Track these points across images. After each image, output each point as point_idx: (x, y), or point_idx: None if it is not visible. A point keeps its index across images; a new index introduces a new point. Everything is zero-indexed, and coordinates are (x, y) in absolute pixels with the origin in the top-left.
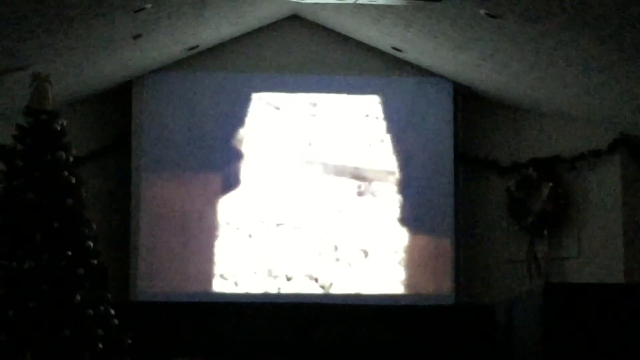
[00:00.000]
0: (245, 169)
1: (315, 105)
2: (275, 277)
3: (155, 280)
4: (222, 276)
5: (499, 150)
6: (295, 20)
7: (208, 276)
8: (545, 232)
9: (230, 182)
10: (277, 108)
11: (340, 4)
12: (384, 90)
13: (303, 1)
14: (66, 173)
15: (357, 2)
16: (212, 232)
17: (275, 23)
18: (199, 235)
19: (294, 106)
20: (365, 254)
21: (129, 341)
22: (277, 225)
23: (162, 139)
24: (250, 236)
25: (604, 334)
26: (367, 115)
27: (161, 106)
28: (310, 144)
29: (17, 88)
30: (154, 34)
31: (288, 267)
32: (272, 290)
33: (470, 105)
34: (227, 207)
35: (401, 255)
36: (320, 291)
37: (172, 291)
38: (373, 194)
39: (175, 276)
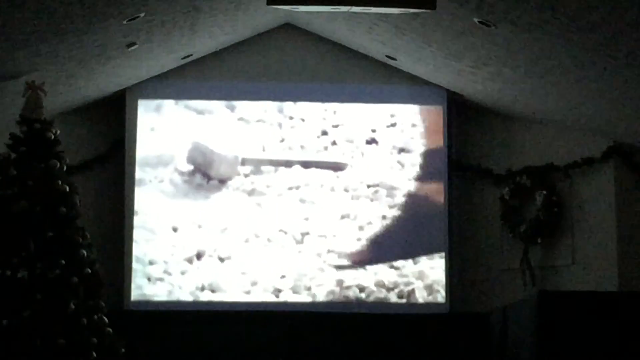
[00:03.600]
0: (239, 177)
1: (309, 113)
2: (269, 286)
3: (148, 289)
4: (215, 285)
5: (492, 159)
6: (289, 28)
7: (201, 285)
8: (539, 240)
9: (222, 191)
10: (272, 116)
11: (333, 12)
12: (378, 98)
13: (297, 9)
14: (60, 182)
15: (350, 10)
16: (206, 241)
17: (268, 32)
18: (193, 244)
19: (288, 115)
20: (359, 262)
21: (123, 350)
22: (269, 233)
23: (156, 148)
24: (244, 244)
25: (598, 342)
26: (360, 124)
27: (155, 115)
28: (303, 150)
29: (10, 97)
30: (147, 42)
31: (280, 276)
32: (266, 299)
33: (463, 114)
34: (220, 216)
35: (395, 263)
36: (312, 299)
37: (165, 300)
38: (366, 201)
39: (168, 285)
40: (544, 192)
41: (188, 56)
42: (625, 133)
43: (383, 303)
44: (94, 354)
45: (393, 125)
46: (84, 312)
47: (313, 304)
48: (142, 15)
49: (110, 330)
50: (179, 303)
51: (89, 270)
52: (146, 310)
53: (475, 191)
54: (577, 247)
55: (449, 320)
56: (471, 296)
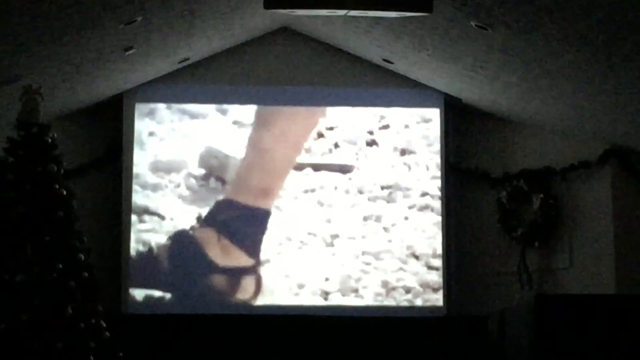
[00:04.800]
0: (238, 179)
1: (306, 117)
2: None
3: (146, 293)
4: (212, 288)
5: (489, 162)
6: (286, 32)
7: (199, 289)
8: (537, 244)
9: (222, 193)
10: (268, 120)
11: (330, 15)
12: (375, 102)
13: (294, 13)
14: (57, 186)
15: (347, 14)
16: (204, 244)
17: (265, 35)
18: (192, 247)
19: (284, 118)
20: (356, 265)
21: (121, 354)
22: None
23: (153, 152)
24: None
25: (596, 345)
26: (357, 127)
27: (152, 119)
28: (310, 153)
29: (7, 101)
30: (144, 46)
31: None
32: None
33: (460, 117)
34: (220, 218)
35: (392, 266)
36: (308, 303)
37: (163, 304)
38: (361, 204)
39: (167, 289)
40: (541, 195)
41: (185, 60)
42: (622, 136)
43: (379, 307)
44: (92, 358)
45: (389, 128)
46: (81, 316)
47: (315, 308)
48: (139, 19)
49: (108, 334)
50: (177, 307)
51: (87, 274)
52: (144, 314)
53: (472, 194)
54: (574, 250)
55: (445, 323)
56: (468, 299)
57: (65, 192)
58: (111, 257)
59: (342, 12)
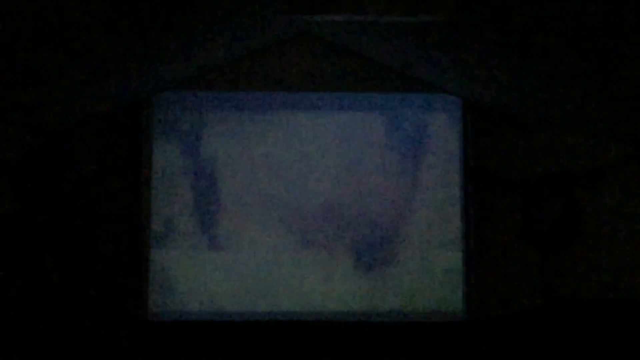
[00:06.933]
0: (256, 188)
1: (325, 123)
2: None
3: (168, 300)
4: (235, 294)
5: (509, 166)
6: (305, 38)
7: (222, 295)
8: (557, 248)
9: (240, 200)
10: (288, 126)
11: (348, 21)
12: (393, 107)
13: (312, 19)
14: (76, 193)
15: (366, 19)
16: (225, 249)
17: (284, 41)
18: (212, 253)
19: (303, 124)
20: (376, 269)
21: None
22: (287, 242)
23: (172, 159)
24: (264, 254)
25: (615, 349)
26: (376, 133)
27: (171, 126)
28: (320, 162)
29: (27, 106)
30: (163, 52)
31: (301, 284)
32: (287, 307)
33: (480, 121)
34: (238, 225)
35: (411, 270)
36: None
37: (185, 310)
38: (382, 207)
39: (188, 295)
40: (562, 199)
41: (204, 66)
42: None
43: (396, 311)
44: None
45: (408, 133)
46: (101, 323)
47: (333, 312)
48: (157, 25)
49: (129, 341)
50: (199, 313)
51: (106, 282)
52: (165, 321)
53: (492, 198)
54: (594, 254)
55: (465, 328)
56: (488, 303)
57: (83, 200)
58: (131, 264)
59: (360, 18)
